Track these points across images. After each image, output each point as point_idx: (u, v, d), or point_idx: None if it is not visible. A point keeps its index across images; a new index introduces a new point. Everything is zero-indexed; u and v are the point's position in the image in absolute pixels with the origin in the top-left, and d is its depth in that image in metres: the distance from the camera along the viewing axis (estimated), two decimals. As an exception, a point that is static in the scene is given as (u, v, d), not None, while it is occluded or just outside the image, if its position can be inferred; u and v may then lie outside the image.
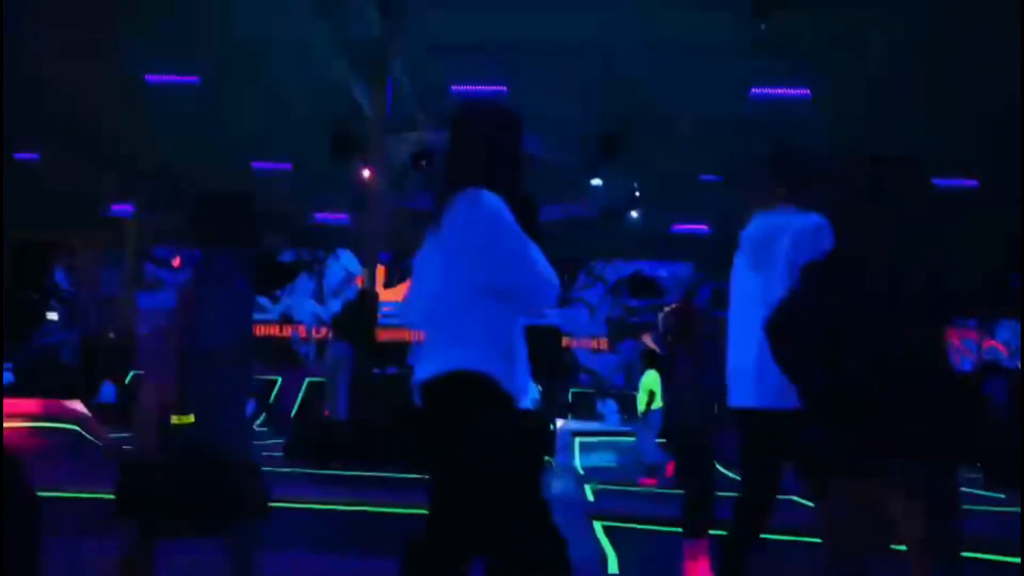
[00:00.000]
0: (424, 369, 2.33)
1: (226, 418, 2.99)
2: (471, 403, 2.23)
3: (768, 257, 2.90)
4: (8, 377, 18.12)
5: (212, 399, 2.97)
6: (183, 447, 2.90)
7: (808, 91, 14.22)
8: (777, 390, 2.75)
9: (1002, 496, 9.00)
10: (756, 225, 3.03)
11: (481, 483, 2.21)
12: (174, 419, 2.90)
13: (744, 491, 3.02)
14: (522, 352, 2.37)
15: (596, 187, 15.74)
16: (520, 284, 2.28)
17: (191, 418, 2.90)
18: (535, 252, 2.31)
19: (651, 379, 9.64)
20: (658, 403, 9.50)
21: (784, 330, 2.34)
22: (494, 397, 2.24)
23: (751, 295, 2.95)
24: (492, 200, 2.31)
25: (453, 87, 14.36)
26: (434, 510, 2.27)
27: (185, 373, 2.94)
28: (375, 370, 12.30)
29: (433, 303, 2.37)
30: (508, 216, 2.30)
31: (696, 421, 4.71)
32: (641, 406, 9.92)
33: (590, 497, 7.95)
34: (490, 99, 2.56)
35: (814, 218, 2.89)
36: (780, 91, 14.28)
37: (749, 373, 2.91)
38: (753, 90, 14.22)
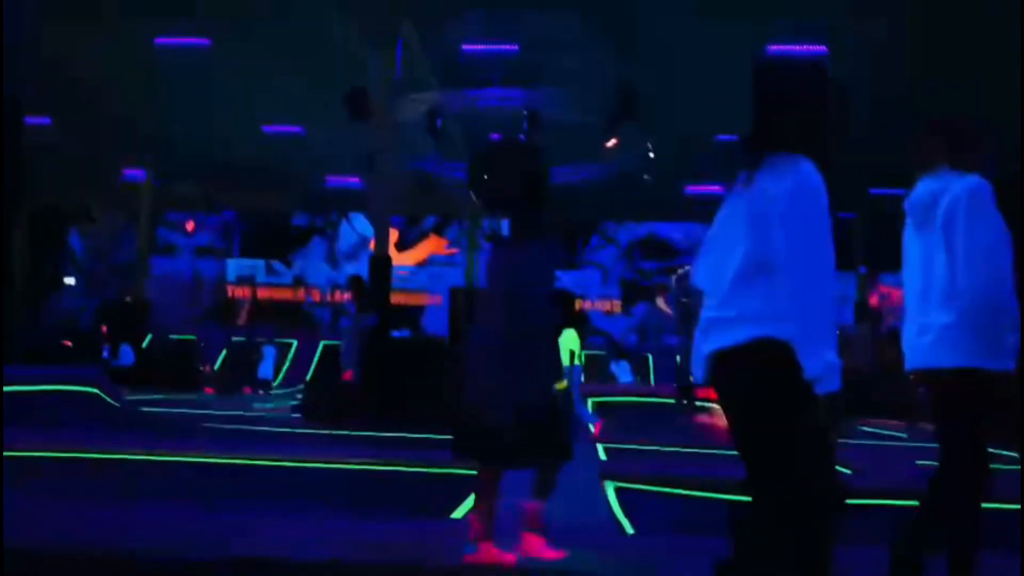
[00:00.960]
0: (717, 339, 2.28)
1: None
2: (771, 370, 2.20)
3: (928, 221, 2.91)
4: (129, 358, 18.18)
5: None
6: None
7: (825, 48, 13.95)
8: (930, 350, 2.82)
9: None
10: (918, 189, 3.02)
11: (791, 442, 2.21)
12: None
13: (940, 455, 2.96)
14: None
15: (609, 148, 15.56)
16: (794, 264, 2.18)
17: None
18: (824, 235, 2.21)
19: (569, 338, 9.46)
20: (580, 360, 9.66)
21: None
22: (790, 362, 2.18)
23: (913, 260, 3.00)
24: (808, 170, 2.24)
25: (465, 46, 14.19)
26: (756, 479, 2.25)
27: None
28: (394, 333, 12.39)
29: (724, 268, 2.31)
30: (821, 190, 2.22)
31: None
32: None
33: (603, 456, 7.99)
34: (807, 59, 2.45)
35: (974, 180, 2.85)
36: (797, 48, 14.01)
37: (912, 336, 2.96)
38: (770, 47, 13.95)
